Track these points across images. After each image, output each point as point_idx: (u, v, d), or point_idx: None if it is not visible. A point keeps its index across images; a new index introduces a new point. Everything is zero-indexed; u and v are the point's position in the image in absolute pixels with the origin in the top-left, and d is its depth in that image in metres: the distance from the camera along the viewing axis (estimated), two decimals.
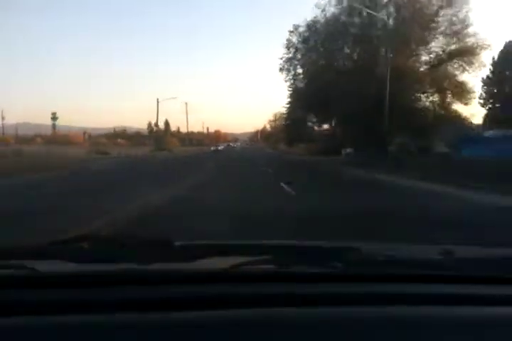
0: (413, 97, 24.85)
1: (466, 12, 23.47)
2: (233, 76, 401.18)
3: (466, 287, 1.06)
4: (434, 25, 23.84)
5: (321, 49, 25.87)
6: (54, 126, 38.42)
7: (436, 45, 24.69)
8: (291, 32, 26.69)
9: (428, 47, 24.80)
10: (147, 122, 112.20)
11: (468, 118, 26.23)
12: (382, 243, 1.92)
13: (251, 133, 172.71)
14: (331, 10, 25.51)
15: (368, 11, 23.09)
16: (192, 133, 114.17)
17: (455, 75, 25.14)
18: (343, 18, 25.06)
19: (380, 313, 0.91)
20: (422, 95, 25.56)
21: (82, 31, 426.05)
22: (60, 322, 0.85)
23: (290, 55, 27.35)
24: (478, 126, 33.62)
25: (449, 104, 25.35)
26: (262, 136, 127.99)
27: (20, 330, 0.83)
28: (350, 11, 24.78)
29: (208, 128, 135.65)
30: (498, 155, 16.15)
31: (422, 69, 25.13)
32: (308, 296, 0.97)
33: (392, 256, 1.30)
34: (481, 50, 24.09)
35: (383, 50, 24.64)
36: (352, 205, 8.22)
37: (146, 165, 27.64)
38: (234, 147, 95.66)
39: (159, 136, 67.06)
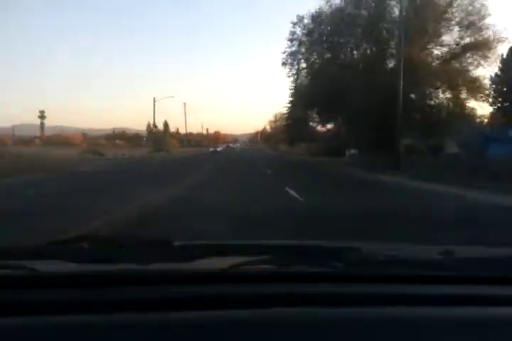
0: (425, 93, 22.93)
1: (483, 1, 21.55)
2: (233, 77, 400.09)
3: (468, 287, 1.03)
4: (448, 15, 21.96)
5: (327, 42, 23.89)
6: (42, 125, 36.22)
7: (450, 37, 22.77)
8: (294, 24, 24.66)
9: (441, 39, 22.90)
10: (146, 123, 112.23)
11: (482, 117, 24.33)
12: (382, 243, 1.94)
13: (251, 134, 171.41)
14: (337, 1, 23.63)
15: None
16: (191, 134, 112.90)
17: (469, 70, 23.26)
18: (349, 9, 23.14)
19: (381, 314, 0.88)
20: (434, 91, 23.63)
21: (82, 31, 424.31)
22: (59, 323, 0.84)
23: (294, 49, 25.34)
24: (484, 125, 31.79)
25: (463, 100, 23.44)
26: (261, 137, 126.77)
27: (20, 330, 0.82)
28: (357, 1, 22.94)
29: (207, 129, 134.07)
30: None
31: (434, 63, 23.19)
32: (308, 296, 0.95)
33: (393, 256, 1.27)
34: (497, 43, 22.19)
35: (393, 43, 22.76)
36: (367, 211, 7.26)
37: (140, 166, 26.01)
38: (233, 148, 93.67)
39: (158, 137, 64.93)
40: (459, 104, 23.40)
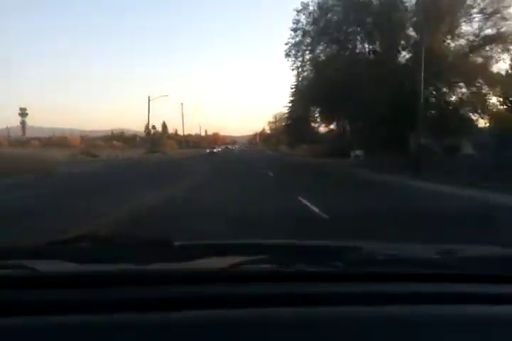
0: (441, 89, 20.60)
1: None
2: (233, 79, 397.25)
3: (468, 286, 1.02)
4: (469, 3, 19.66)
5: (334, 32, 21.42)
6: (23, 123, 33.90)
7: (470, 28, 20.45)
8: (298, 11, 22.21)
9: (459, 30, 20.61)
10: (145, 125, 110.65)
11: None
12: (382, 242, 1.94)
13: (249, 136, 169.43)
14: None
15: None
16: (190, 135, 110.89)
17: (489, 65, 20.97)
18: None
19: (381, 313, 0.88)
20: (451, 86, 21.31)
21: (84, 31, 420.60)
22: (59, 322, 0.83)
23: (297, 39, 22.87)
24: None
25: (483, 97, 21.11)
26: (261, 139, 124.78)
27: (20, 330, 0.81)
28: None
29: (206, 131, 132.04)
30: None
31: (452, 56, 20.87)
32: (308, 296, 0.94)
33: (393, 256, 1.26)
34: None
35: (406, 33, 20.46)
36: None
37: (129, 168, 23.73)
38: (232, 149, 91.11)
39: (154, 138, 62.49)
40: (479, 100, 21.09)
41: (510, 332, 0.85)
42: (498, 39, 20.17)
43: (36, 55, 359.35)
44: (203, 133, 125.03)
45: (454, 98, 21.64)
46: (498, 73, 21.09)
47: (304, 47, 22.88)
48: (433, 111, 22.09)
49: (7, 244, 2.13)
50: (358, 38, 21.77)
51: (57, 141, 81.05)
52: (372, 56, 21.70)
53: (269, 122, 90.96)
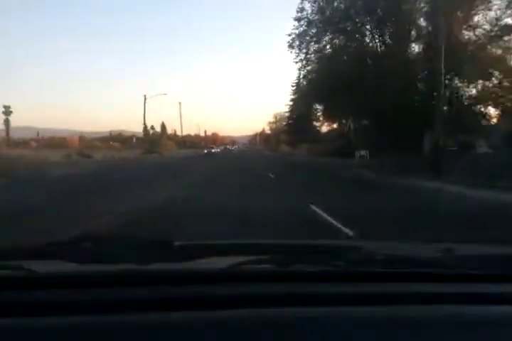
0: (457, 83, 18.86)
1: None
2: (233, 79, 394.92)
3: (469, 285, 1.02)
4: None
5: (341, 22, 19.59)
6: (7, 122, 32.13)
7: (488, 16, 18.67)
8: None
9: (476, 20, 18.86)
10: (143, 125, 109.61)
11: None
12: (383, 242, 1.90)
13: (249, 136, 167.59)
14: None
15: None
16: (189, 136, 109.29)
17: (509, 57, 19.24)
18: None
19: (382, 313, 0.87)
20: (467, 80, 19.58)
21: (86, 32, 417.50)
22: (59, 323, 0.82)
23: (302, 29, 21.01)
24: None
25: (505, 91, 19.36)
26: (261, 139, 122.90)
27: (20, 331, 0.81)
28: None
29: (205, 131, 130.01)
30: None
31: (469, 47, 19.11)
32: (308, 296, 0.94)
33: (393, 255, 1.25)
34: None
35: (420, 24, 18.72)
36: None
37: (119, 170, 21.79)
38: (231, 150, 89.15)
39: (150, 139, 60.65)
40: (496, 95, 19.36)
41: (510, 332, 0.84)
42: None
43: (36, 56, 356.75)
44: (202, 134, 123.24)
45: (470, 92, 19.87)
46: None
47: (309, 38, 20.96)
48: (445, 107, 20.36)
49: (7, 244, 1.82)
50: (367, 27, 19.93)
51: (55, 142, 79.98)
52: (381, 47, 19.92)
53: (269, 122, 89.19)
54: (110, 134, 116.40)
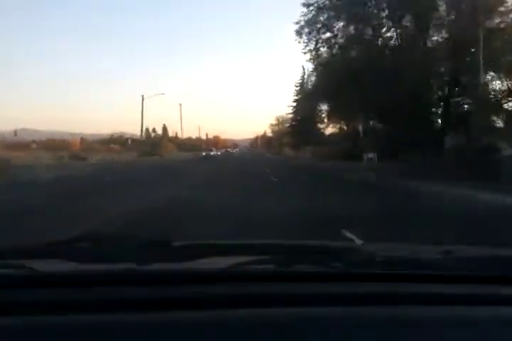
0: (481, 78, 16.69)
1: None
2: (234, 82, 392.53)
3: (468, 287, 1.01)
4: None
5: (355, 7, 17.27)
6: None
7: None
8: None
9: (504, 7, 16.66)
10: (144, 128, 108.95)
11: None
12: (382, 243, 1.87)
13: (251, 139, 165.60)
14: None
15: None
16: (190, 138, 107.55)
17: None
18: None
19: (381, 313, 0.86)
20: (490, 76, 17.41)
21: (88, 32, 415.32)
22: (59, 323, 0.82)
23: (311, 16, 18.70)
24: None
25: None
26: (262, 142, 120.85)
27: (20, 330, 0.80)
28: None
29: (207, 134, 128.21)
30: None
31: (494, 37, 16.88)
32: (308, 296, 0.93)
33: (393, 256, 1.23)
34: None
35: (441, 13, 16.54)
36: None
37: (107, 174, 19.61)
38: (232, 153, 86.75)
39: (144, 141, 58.35)
40: None
41: (510, 332, 0.83)
42: None
43: (36, 56, 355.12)
44: (203, 137, 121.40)
45: (497, 87, 17.68)
46: None
47: (319, 26, 18.60)
48: (469, 105, 18.19)
49: (7, 244, 1.84)
50: (384, 14, 17.63)
51: (56, 144, 79.28)
52: (400, 36, 17.72)
53: (271, 124, 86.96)
54: (111, 136, 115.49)
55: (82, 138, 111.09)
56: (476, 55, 13.18)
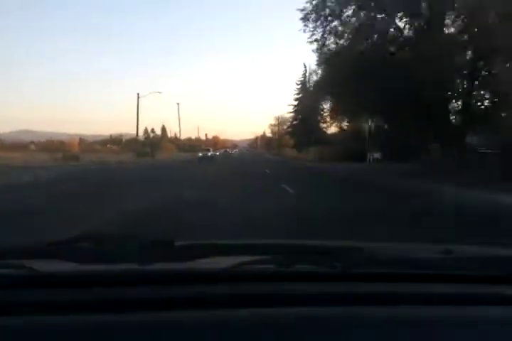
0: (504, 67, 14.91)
1: None
2: (233, 83, 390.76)
3: (469, 286, 1.01)
4: None
5: None
6: None
7: None
8: None
9: None
10: (144, 129, 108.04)
11: None
12: (382, 243, 1.84)
13: (250, 139, 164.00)
14: None
15: None
16: (190, 139, 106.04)
17: None
18: None
19: (381, 313, 0.86)
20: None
21: (88, 32, 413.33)
22: (59, 323, 0.81)
23: (318, 0, 16.83)
24: None
25: None
26: (262, 142, 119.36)
27: (20, 330, 0.80)
28: None
29: (206, 135, 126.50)
30: None
31: None
32: (308, 296, 0.93)
33: (393, 256, 1.24)
34: None
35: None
36: None
37: (87, 179, 17.38)
38: (231, 153, 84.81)
39: (153, 142, 56.74)
40: None
41: (509, 332, 0.83)
42: None
43: (37, 58, 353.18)
44: (203, 137, 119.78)
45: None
46: None
47: (327, 12, 16.69)
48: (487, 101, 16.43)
49: (7, 243, 1.72)
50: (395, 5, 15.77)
51: (54, 145, 78.50)
52: (414, 25, 15.95)
53: (271, 125, 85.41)
54: (110, 137, 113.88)
55: (80, 139, 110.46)
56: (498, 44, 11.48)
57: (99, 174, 20.83)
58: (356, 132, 32.14)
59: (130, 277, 0.98)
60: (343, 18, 16.83)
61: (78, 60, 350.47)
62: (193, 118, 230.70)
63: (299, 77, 47.01)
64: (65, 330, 0.79)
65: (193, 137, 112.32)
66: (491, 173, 12.53)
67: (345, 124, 33.80)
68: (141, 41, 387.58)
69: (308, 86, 41.99)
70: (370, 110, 20.52)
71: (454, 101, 17.13)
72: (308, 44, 17.84)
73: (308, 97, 34.54)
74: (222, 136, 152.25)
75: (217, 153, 59.17)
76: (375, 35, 16.26)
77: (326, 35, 17.23)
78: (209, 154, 43.66)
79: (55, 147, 72.60)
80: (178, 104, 64.22)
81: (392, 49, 16.88)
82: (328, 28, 17.07)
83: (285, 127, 60.67)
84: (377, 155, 30.66)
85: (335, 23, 17.08)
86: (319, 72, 23.55)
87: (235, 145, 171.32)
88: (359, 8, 16.08)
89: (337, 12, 16.66)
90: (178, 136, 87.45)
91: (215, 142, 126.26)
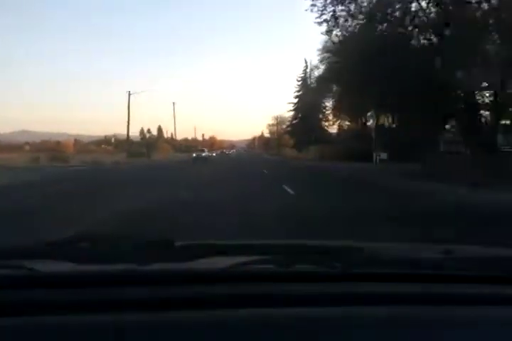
0: None
1: None
2: (232, 82, 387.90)
3: (468, 286, 1.01)
4: None
5: None
6: None
7: None
8: None
9: None
10: (140, 129, 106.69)
11: None
12: (382, 243, 1.86)
13: (248, 140, 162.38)
14: None
15: None
16: (187, 139, 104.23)
17: None
18: None
19: (381, 313, 0.86)
20: None
21: (88, 32, 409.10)
22: (59, 323, 0.81)
23: None
24: None
25: None
26: (260, 143, 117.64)
27: (19, 330, 0.80)
28: None
29: (203, 135, 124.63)
30: None
31: None
32: (308, 296, 0.92)
33: (393, 256, 1.24)
34: None
35: None
36: None
37: (69, 183, 15.08)
38: (228, 154, 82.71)
39: (138, 142, 54.54)
40: None
41: (509, 333, 0.83)
42: None
43: (38, 59, 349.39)
44: (200, 138, 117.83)
45: None
46: None
47: None
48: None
49: (7, 244, 1.88)
50: None
51: (49, 145, 77.42)
52: (432, 14, 13.95)
53: (269, 125, 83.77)
54: (105, 138, 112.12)
55: (76, 140, 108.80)
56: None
57: (77, 175, 19.60)
58: (360, 131, 30.12)
59: (129, 277, 0.97)
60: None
61: (78, 59, 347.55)
62: (190, 119, 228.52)
63: (300, 73, 45.30)
64: (65, 330, 0.79)
65: (190, 137, 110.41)
66: None
67: (346, 124, 31.91)
68: (141, 41, 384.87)
69: (309, 82, 40.49)
70: (379, 101, 18.43)
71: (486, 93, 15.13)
72: (316, 25, 15.72)
73: (310, 93, 32.84)
74: (219, 137, 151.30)
75: (214, 154, 57.01)
76: (396, 13, 14.22)
77: (337, 15, 15.11)
78: (203, 155, 41.69)
79: (50, 148, 71.50)
80: (173, 103, 62.24)
81: (411, 29, 14.81)
82: (340, 6, 15.00)
83: (284, 126, 59.03)
84: (383, 155, 28.63)
85: (349, 6, 15.00)
86: (321, 67, 21.54)
87: (232, 145, 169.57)
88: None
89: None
90: (174, 136, 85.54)
91: (212, 142, 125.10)
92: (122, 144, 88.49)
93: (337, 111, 30.83)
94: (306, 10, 15.52)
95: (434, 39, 14.12)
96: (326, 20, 15.55)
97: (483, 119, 15.90)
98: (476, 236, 4.83)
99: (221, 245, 1.36)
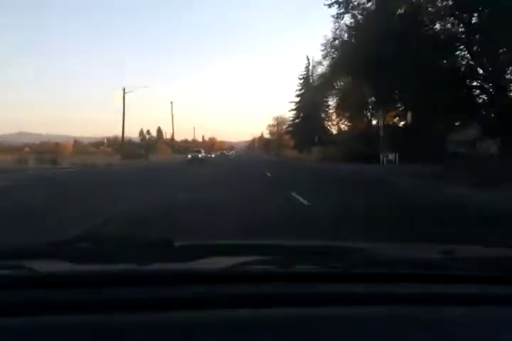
0: None
1: None
2: (231, 85, 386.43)
3: (469, 287, 1.00)
4: None
5: None
6: None
7: None
8: None
9: None
10: (139, 130, 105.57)
11: None
12: (382, 243, 1.86)
13: (248, 141, 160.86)
14: None
15: None
16: (186, 141, 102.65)
17: None
18: None
19: (381, 313, 0.86)
20: None
21: (88, 32, 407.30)
22: (59, 322, 0.81)
23: None
24: None
25: None
26: (259, 144, 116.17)
27: (19, 330, 0.80)
28: None
29: (203, 136, 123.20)
30: None
31: None
32: (308, 296, 0.93)
33: (393, 256, 1.24)
34: None
35: None
36: None
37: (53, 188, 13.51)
38: (228, 155, 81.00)
39: (121, 143, 52.69)
40: None
41: (509, 333, 0.83)
42: None
43: (37, 60, 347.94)
44: (200, 139, 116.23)
45: None
46: None
47: None
48: None
49: (7, 244, 1.85)
50: None
51: (49, 147, 78.63)
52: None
53: (269, 125, 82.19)
54: (105, 139, 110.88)
55: (75, 141, 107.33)
56: None
57: (58, 178, 18.20)
58: (365, 130, 28.31)
59: (129, 277, 0.97)
60: None
61: (78, 59, 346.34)
62: (190, 120, 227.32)
63: (301, 71, 43.66)
64: (65, 330, 0.79)
65: (190, 139, 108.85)
66: None
67: (349, 124, 30.13)
68: (141, 41, 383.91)
69: (311, 80, 38.95)
70: (390, 95, 16.64)
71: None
72: (326, 8, 14.03)
73: (312, 91, 31.29)
74: (219, 138, 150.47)
75: (213, 155, 55.14)
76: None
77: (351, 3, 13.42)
78: (199, 156, 39.23)
79: (49, 149, 70.47)
80: (171, 102, 60.39)
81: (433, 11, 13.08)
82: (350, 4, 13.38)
83: (285, 127, 57.44)
84: (391, 156, 26.75)
85: None
86: (324, 63, 19.73)
87: (232, 147, 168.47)
88: None
89: None
90: (173, 136, 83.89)
91: (211, 144, 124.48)
92: (122, 145, 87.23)
93: (341, 110, 29.07)
94: None
95: (461, 25, 12.43)
96: (337, 2, 14.20)
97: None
98: None
99: (221, 245, 1.37)
